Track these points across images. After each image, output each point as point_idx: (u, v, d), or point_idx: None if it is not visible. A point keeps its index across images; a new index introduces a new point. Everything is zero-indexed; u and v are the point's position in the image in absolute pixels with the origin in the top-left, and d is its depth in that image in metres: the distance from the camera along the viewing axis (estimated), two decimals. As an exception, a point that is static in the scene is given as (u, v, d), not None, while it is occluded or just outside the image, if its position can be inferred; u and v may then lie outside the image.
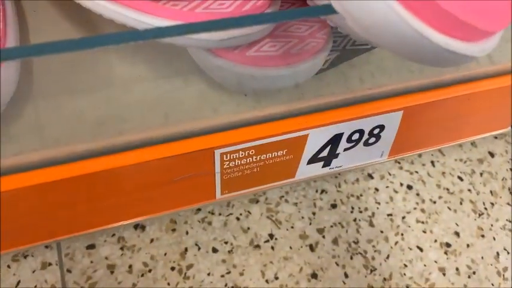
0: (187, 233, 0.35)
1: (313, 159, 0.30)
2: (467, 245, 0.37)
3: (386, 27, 0.17)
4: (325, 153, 0.30)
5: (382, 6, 0.16)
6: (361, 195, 0.38)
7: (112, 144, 0.26)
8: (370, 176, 0.39)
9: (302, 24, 0.26)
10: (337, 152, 0.30)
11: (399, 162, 0.40)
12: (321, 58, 0.26)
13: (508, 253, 0.37)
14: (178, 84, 0.28)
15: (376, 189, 0.39)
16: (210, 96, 0.28)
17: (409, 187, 0.39)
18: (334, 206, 0.38)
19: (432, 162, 0.41)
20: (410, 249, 0.37)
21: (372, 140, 0.30)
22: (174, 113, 0.27)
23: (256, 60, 0.24)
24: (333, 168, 0.32)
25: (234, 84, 0.25)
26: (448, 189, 0.40)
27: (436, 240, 0.37)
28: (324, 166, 0.31)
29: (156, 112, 0.27)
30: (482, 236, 0.38)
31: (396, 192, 0.39)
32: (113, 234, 0.34)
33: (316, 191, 0.38)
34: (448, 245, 0.37)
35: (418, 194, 0.39)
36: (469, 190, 0.40)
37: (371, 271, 0.35)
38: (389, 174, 0.40)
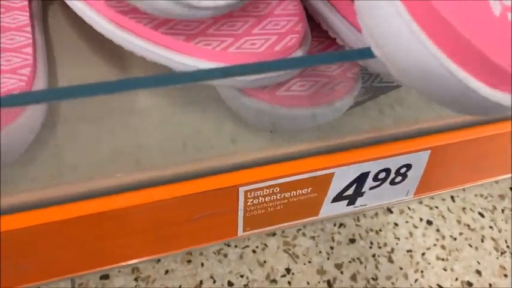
0: (202, 265, 0.34)
1: (338, 198, 0.29)
2: (490, 285, 0.36)
3: (433, 79, 0.16)
4: (350, 191, 0.29)
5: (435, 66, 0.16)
6: (380, 230, 0.38)
7: (130, 180, 0.25)
8: (390, 211, 0.39)
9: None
10: (362, 190, 0.29)
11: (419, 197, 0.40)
12: (351, 98, 0.25)
13: (531, 294, 0.37)
14: (203, 121, 0.27)
15: (396, 224, 0.38)
16: (236, 133, 0.27)
17: (429, 222, 0.39)
18: (352, 240, 0.37)
19: (452, 197, 0.40)
20: (431, 287, 0.36)
21: (399, 179, 0.30)
22: (198, 148, 0.26)
23: (286, 99, 0.24)
24: (357, 206, 0.31)
25: (263, 123, 0.25)
26: (468, 225, 0.39)
27: (457, 279, 0.36)
28: (348, 204, 0.30)
29: (178, 145, 0.26)
30: (505, 275, 0.37)
31: (416, 227, 0.38)
32: (128, 265, 0.33)
33: (335, 225, 0.37)
34: (469, 283, 0.36)
35: (438, 230, 0.38)
36: (491, 227, 0.39)
37: (390, 310, 0.34)
38: (409, 209, 0.39)
